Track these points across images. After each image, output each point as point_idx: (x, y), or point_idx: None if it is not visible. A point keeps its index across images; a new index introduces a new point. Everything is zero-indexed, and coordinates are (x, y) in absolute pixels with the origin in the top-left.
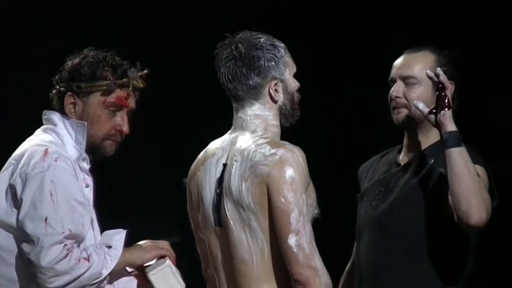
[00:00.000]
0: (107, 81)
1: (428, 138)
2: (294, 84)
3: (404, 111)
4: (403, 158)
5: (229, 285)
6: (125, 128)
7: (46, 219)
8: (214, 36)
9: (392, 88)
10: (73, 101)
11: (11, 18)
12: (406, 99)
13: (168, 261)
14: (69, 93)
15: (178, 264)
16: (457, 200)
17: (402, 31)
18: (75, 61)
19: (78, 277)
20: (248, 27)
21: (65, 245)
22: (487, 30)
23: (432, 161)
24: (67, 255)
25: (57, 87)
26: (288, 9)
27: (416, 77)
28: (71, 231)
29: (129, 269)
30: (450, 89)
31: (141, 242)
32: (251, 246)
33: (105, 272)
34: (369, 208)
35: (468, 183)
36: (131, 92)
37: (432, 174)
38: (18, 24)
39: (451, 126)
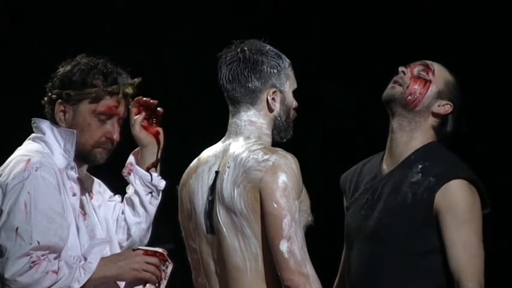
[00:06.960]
0: (96, 89)
1: (413, 140)
2: (292, 99)
3: (399, 90)
4: (388, 163)
5: None
6: (115, 136)
7: (17, 229)
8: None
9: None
10: (63, 108)
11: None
12: (409, 80)
13: None
14: (59, 100)
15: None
16: None
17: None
18: (66, 68)
19: None
20: (247, 36)
21: (31, 257)
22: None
23: (420, 167)
24: (31, 267)
25: (49, 94)
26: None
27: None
28: (39, 243)
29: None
30: None
31: (127, 254)
32: (244, 253)
33: (76, 286)
34: (358, 217)
35: None
36: (121, 100)
37: (420, 181)
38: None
39: None
